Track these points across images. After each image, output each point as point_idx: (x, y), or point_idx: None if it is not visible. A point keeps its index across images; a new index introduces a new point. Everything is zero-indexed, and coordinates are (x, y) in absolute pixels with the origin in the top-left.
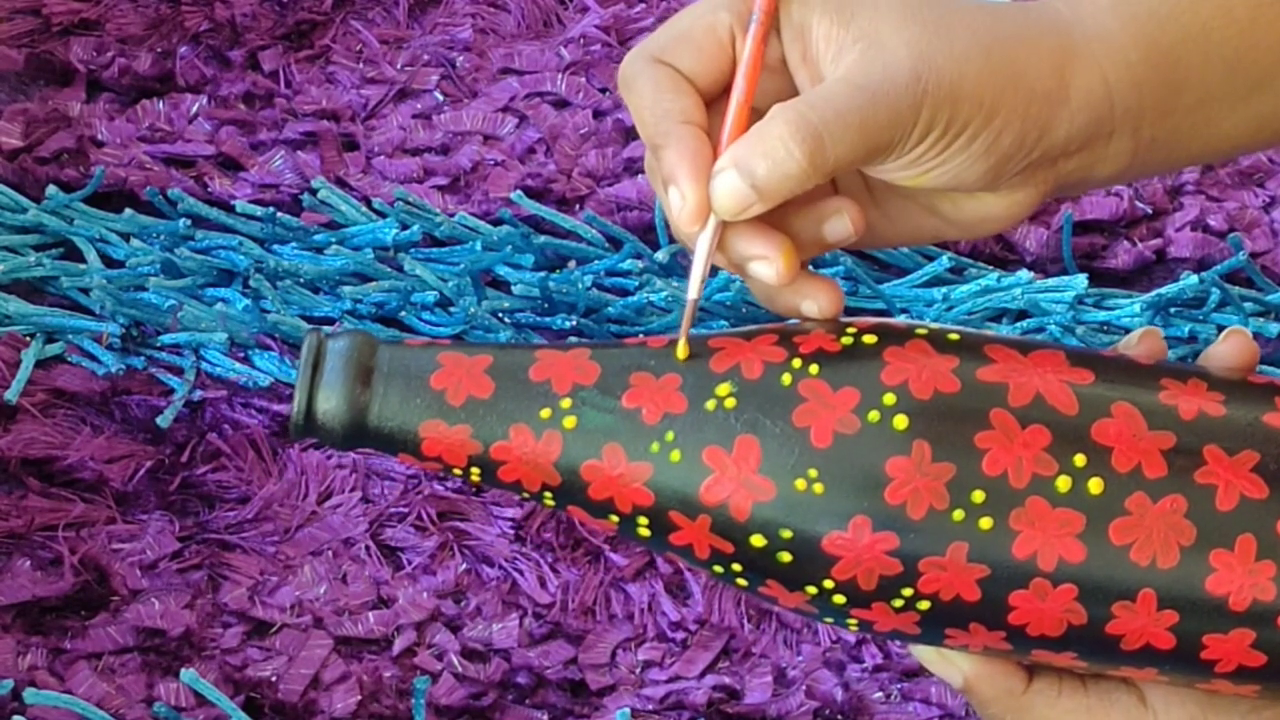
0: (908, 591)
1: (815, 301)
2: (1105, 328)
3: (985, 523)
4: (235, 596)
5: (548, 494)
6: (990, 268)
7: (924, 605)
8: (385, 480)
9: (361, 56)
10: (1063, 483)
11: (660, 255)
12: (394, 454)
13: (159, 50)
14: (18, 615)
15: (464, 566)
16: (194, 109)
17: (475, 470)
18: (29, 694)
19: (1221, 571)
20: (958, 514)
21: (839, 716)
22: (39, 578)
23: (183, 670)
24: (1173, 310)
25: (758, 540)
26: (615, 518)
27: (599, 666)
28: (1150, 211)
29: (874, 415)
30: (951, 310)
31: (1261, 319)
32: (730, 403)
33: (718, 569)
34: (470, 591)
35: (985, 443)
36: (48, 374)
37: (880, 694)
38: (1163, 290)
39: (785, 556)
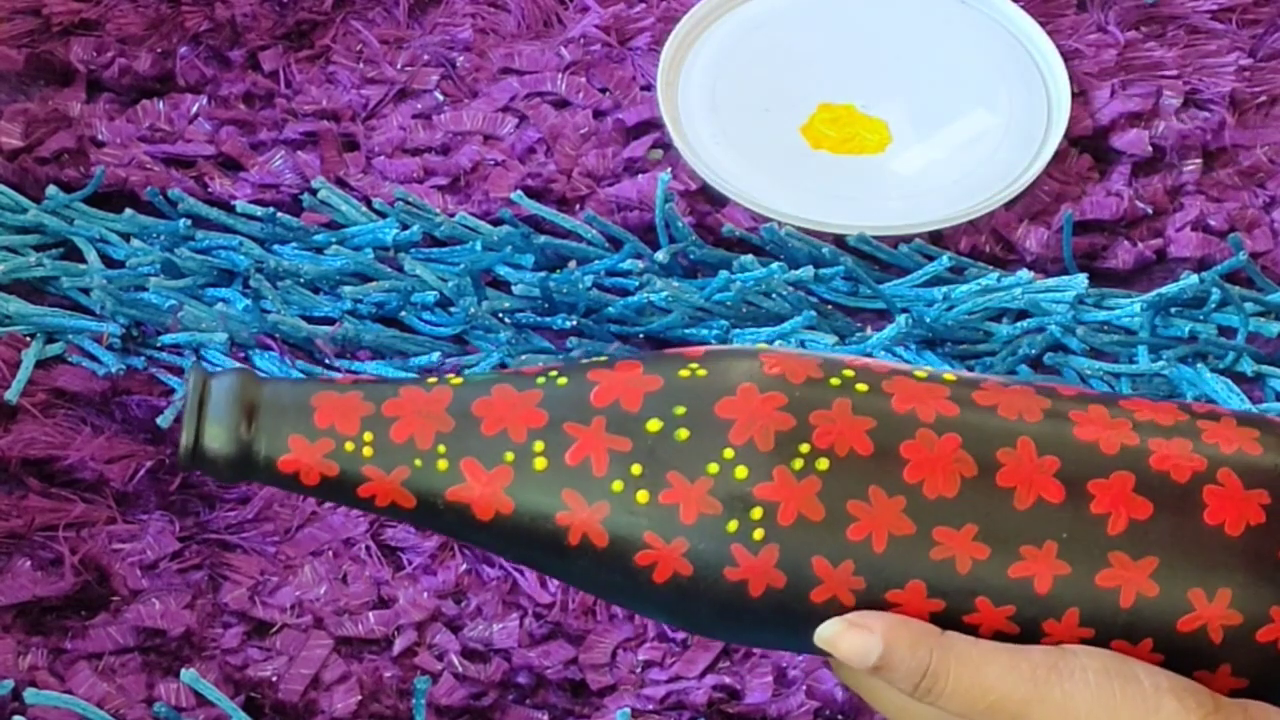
0: (804, 447)
1: None
2: (1105, 327)
3: (861, 387)
4: (235, 596)
5: (441, 445)
6: (990, 268)
7: (823, 465)
8: None
9: (361, 56)
10: (919, 372)
11: (660, 255)
12: (282, 487)
13: (159, 50)
14: (18, 615)
15: (464, 566)
16: (194, 109)
17: (368, 434)
18: (29, 694)
19: (1082, 425)
20: (834, 381)
21: (839, 716)
22: (39, 578)
23: (183, 670)
24: (1173, 310)
25: (654, 425)
26: (511, 454)
27: (599, 666)
28: (1150, 211)
29: None
30: (952, 310)
31: (1261, 319)
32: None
33: (616, 485)
34: (470, 591)
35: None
36: (48, 374)
37: None
38: (1163, 290)
39: (682, 433)
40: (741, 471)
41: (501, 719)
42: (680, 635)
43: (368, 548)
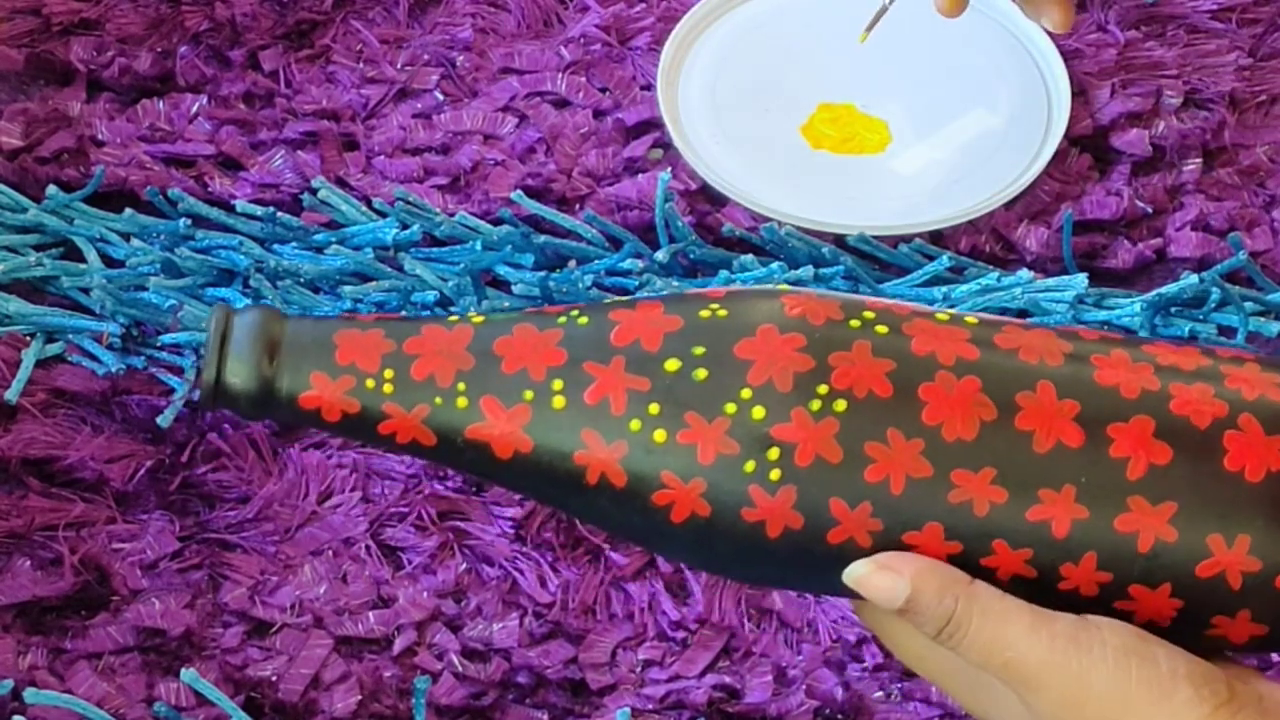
0: (823, 389)
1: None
2: (1105, 327)
3: (881, 329)
4: (235, 596)
5: (461, 384)
6: (990, 267)
7: (841, 406)
8: (385, 480)
9: (361, 56)
10: (942, 315)
11: (660, 255)
12: (304, 423)
13: (159, 50)
14: (18, 615)
15: (464, 566)
16: (194, 109)
17: (389, 370)
18: (29, 694)
19: (1104, 369)
20: (854, 323)
21: (839, 716)
22: (39, 578)
23: (183, 670)
24: (1173, 310)
25: (672, 364)
26: (530, 393)
27: (599, 666)
28: (1150, 211)
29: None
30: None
31: (1261, 319)
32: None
33: (634, 424)
34: (470, 591)
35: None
36: (48, 374)
37: (880, 693)
38: (1163, 290)
39: (701, 373)
40: (759, 412)
41: (501, 719)
42: (680, 635)
43: (367, 547)
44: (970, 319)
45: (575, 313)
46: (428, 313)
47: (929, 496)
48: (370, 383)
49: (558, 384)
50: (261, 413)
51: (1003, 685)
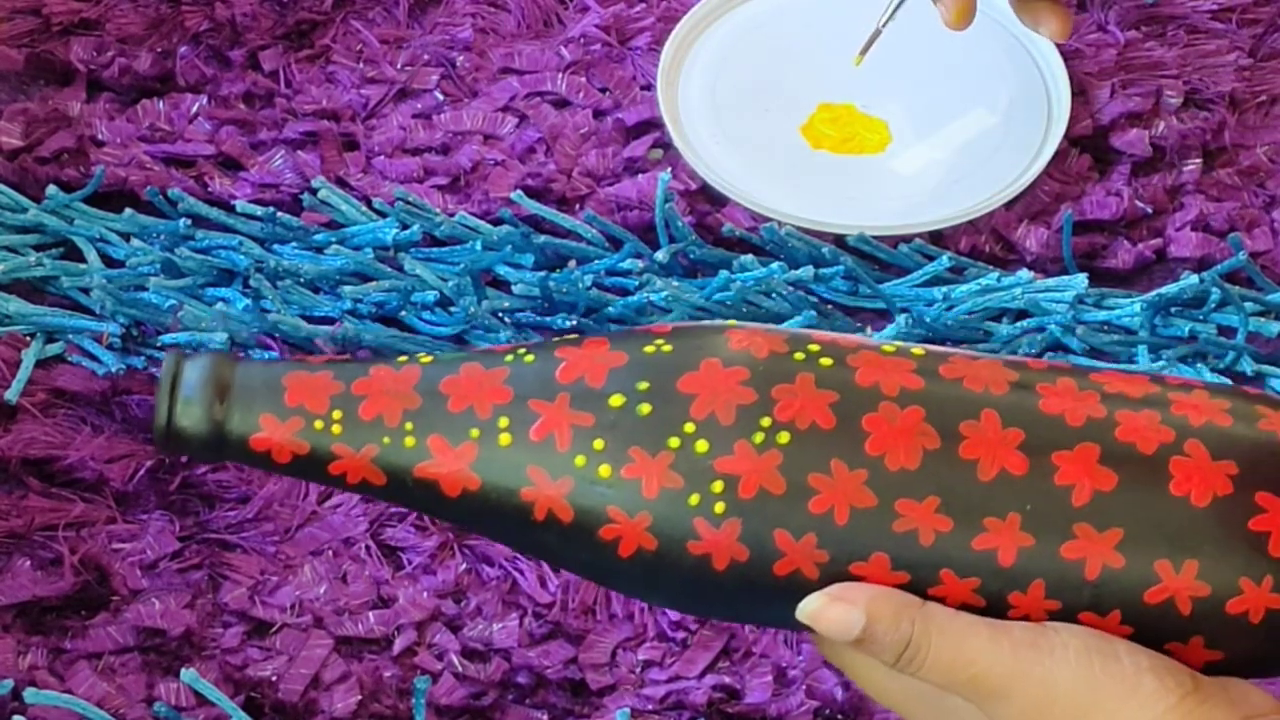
0: (766, 421)
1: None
2: (1105, 327)
3: (825, 361)
4: (235, 596)
5: (408, 423)
6: (990, 267)
7: (784, 438)
8: None
9: (361, 56)
10: (888, 347)
11: (660, 255)
12: (256, 465)
13: (159, 50)
14: (18, 615)
15: (464, 566)
16: (194, 109)
17: (337, 412)
18: (29, 694)
19: (1049, 398)
20: (798, 355)
21: (839, 716)
22: (39, 578)
23: (183, 670)
24: (1173, 310)
25: (617, 400)
26: (476, 431)
27: (599, 666)
28: (1150, 211)
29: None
30: (952, 310)
31: (1261, 319)
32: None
33: (579, 460)
34: (470, 591)
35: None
36: (48, 374)
37: None
38: (1163, 290)
39: (645, 408)
40: (702, 445)
41: (501, 719)
42: (680, 635)
43: (368, 547)
44: (917, 350)
45: (522, 351)
46: (429, 313)
47: (874, 527)
48: (319, 424)
49: (503, 421)
50: (214, 455)
51: (967, 706)
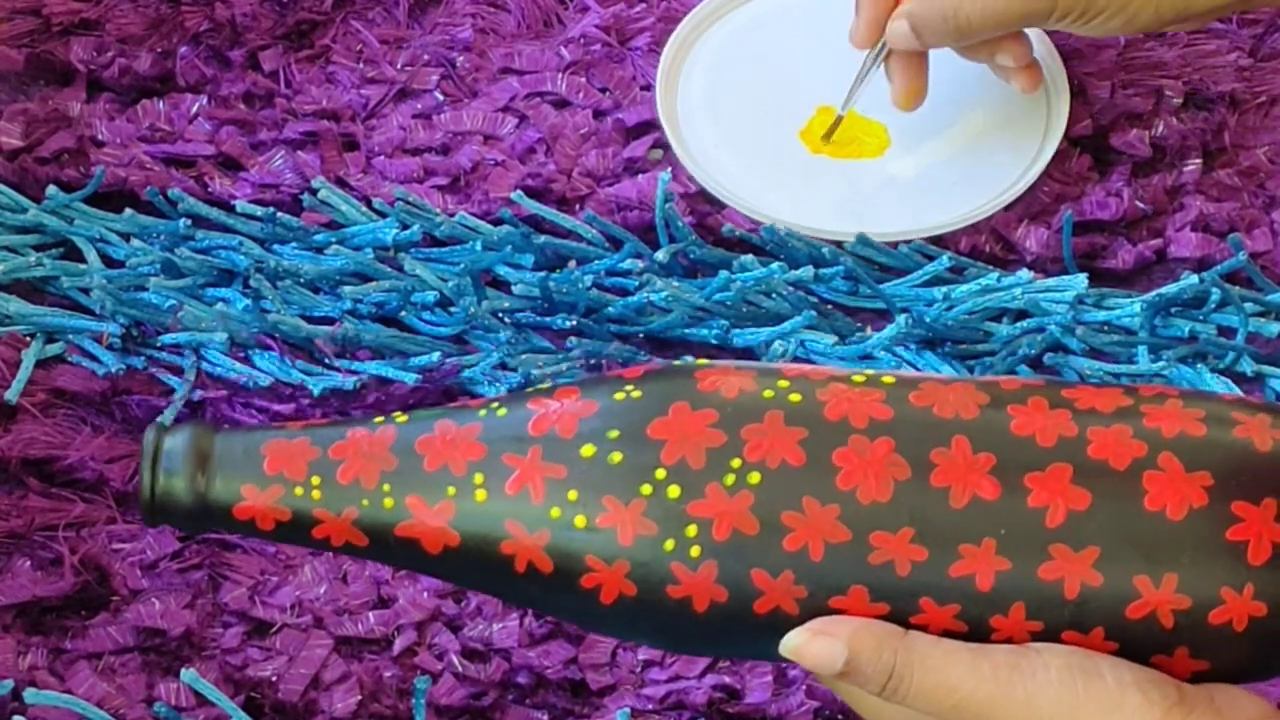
0: (736, 462)
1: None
2: (1105, 328)
3: (794, 397)
4: (235, 596)
5: (386, 484)
6: (990, 268)
7: (755, 478)
8: None
9: (361, 56)
10: (858, 377)
11: (660, 255)
12: (242, 533)
13: (159, 50)
14: (18, 615)
15: None
16: (194, 109)
17: (315, 478)
18: (29, 694)
19: (1020, 419)
20: (767, 393)
21: (839, 716)
22: (39, 578)
23: (183, 670)
24: (1173, 310)
25: (588, 450)
26: (453, 489)
27: (599, 666)
28: (1150, 212)
29: None
30: (952, 310)
31: (1261, 319)
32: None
33: (555, 512)
34: (470, 591)
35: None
36: (48, 374)
37: None
38: (1163, 290)
39: (616, 456)
40: (674, 491)
41: (501, 719)
42: None
43: None
44: (887, 378)
45: (495, 404)
46: (429, 313)
47: (850, 560)
48: (299, 490)
49: (479, 478)
50: (200, 525)
51: None
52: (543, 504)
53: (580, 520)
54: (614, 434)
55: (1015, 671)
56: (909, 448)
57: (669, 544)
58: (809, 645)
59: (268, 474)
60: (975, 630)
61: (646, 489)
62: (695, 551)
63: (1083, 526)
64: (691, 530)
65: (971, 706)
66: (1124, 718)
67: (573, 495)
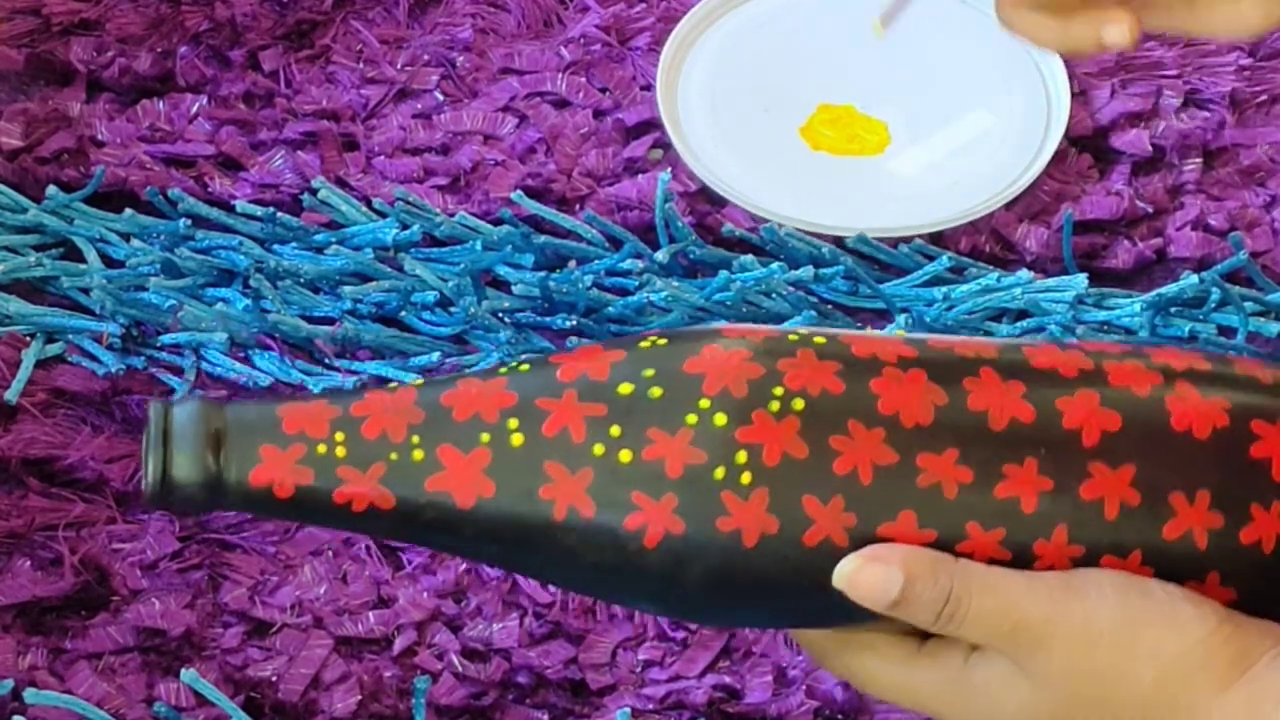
0: (778, 390)
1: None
2: (1105, 327)
3: (819, 340)
4: (235, 596)
5: (415, 436)
6: (990, 267)
7: (799, 404)
8: None
9: (361, 56)
10: (874, 332)
11: (660, 255)
12: (255, 509)
13: (159, 50)
14: (18, 615)
15: (464, 566)
16: (194, 109)
17: (339, 434)
18: (29, 694)
19: (1038, 357)
20: (792, 338)
21: (839, 716)
22: (39, 578)
23: (183, 670)
24: (1173, 310)
25: (625, 388)
26: (487, 435)
27: (599, 666)
28: (1150, 211)
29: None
30: (952, 310)
31: (1261, 319)
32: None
33: (598, 449)
34: (470, 591)
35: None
36: (48, 374)
37: None
38: (1163, 290)
39: (656, 391)
40: (721, 418)
41: (501, 719)
42: (680, 634)
43: (368, 547)
44: (900, 333)
45: (515, 363)
46: (429, 313)
47: (898, 483)
48: (322, 448)
49: (513, 423)
50: (212, 501)
51: (1002, 669)
52: (584, 442)
53: (626, 455)
54: (649, 372)
55: (1070, 591)
56: (941, 377)
57: (719, 472)
58: (863, 572)
59: (288, 433)
60: (1019, 557)
61: (692, 419)
62: (746, 478)
63: (1118, 445)
64: (742, 456)
65: (1030, 628)
66: (1180, 627)
67: (615, 431)
